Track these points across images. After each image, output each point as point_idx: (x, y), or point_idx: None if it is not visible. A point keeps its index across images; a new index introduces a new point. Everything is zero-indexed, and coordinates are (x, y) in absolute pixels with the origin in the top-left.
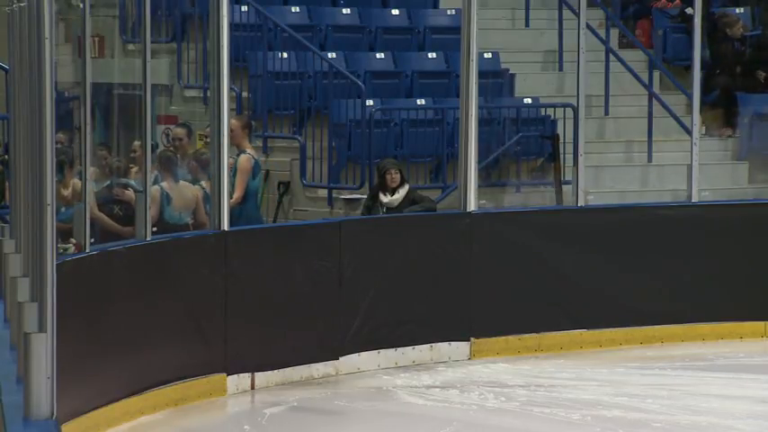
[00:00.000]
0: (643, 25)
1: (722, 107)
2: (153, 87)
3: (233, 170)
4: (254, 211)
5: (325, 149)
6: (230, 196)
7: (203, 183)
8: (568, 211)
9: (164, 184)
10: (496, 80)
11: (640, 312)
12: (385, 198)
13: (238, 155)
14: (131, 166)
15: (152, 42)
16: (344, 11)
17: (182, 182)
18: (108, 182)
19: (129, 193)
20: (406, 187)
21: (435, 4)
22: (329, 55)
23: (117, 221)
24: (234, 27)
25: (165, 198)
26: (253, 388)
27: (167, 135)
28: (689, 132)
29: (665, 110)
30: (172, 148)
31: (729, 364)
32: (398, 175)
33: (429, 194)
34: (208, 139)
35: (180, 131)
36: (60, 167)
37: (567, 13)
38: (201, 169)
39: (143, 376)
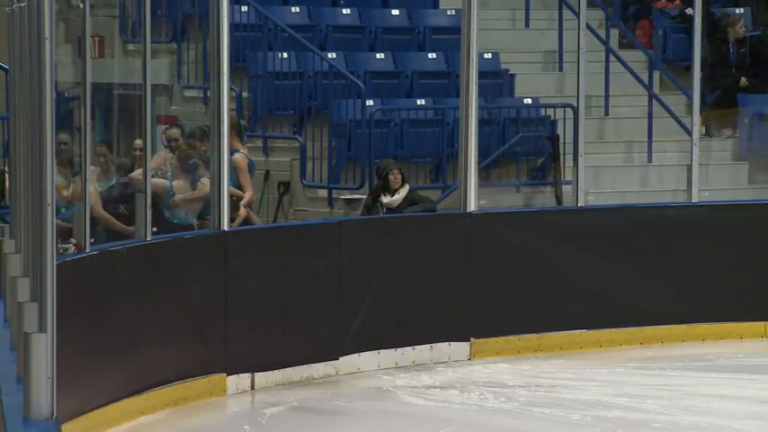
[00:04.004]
0: (643, 25)
1: (722, 107)
2: (153, 87)
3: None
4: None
5: (326, 149)
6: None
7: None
8: (568, 211)
9: (176, 182)
10: (496, 80)
11: (640, 312)
12: (385, 198)
13: (232, 154)
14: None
15: (152, 42)
16: (344, 11)
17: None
18: (112, 182)
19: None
20: (407, 188)
21: (435, 4)
22: (329, 55)
23: (122, 220)
24: (234, 27)
25: (168, 194)
26: (253, 388)
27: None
28: (689, 133)
29: (665, 110)
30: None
31: (729, 365)
32: (400, 176)
33: (429, 194)
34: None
35: (175, 132)
36: (64, 168)
37: (567, 14)
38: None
39: (143, 376)
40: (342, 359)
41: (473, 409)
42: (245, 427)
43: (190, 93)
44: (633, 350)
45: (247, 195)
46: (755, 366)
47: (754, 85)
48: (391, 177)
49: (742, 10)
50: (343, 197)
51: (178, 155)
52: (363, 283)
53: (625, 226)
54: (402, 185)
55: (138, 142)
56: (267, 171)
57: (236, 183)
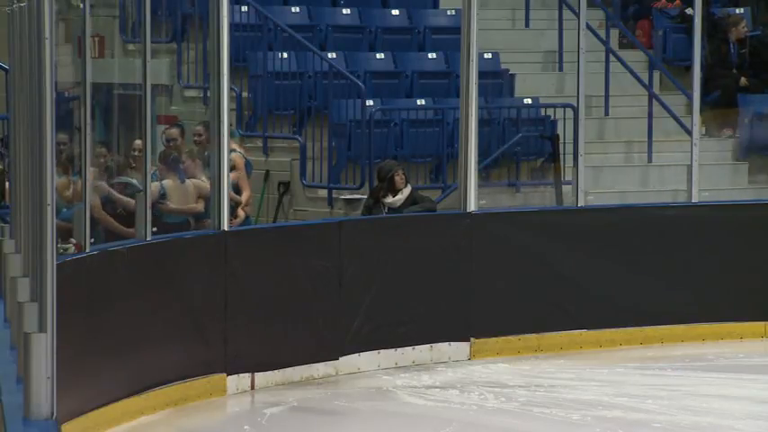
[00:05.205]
0: (643, 25)
1: (722, 107)
2: (153, 87)
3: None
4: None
5: (326, 149)
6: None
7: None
8: (568, 211)
9: (166, 182)
10: (496, 80)
11: (640, 312)
12: (389, 199)
13: (229, 154)
14: (132, 164)
15: (152, 42)
16: (344, 11)
17: (188, 181)
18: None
19: (127, 200)
20: (409, 188)
21: (435, 4)
22: (329, 55)
23: (120, 221)
24: (234, 27)
25: (161, 197)
26: (253, 388)
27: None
28: (689, 133)
29: (665, 110)
30: (174, 149)
31: (729, 364)
32: (404, 176)
33: (429, 194)
34: (197, 138)
35: (173, 132)
36: (66, 168)
37: (567, 14)
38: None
39: (143, 376)
40: (342, 359)
41: (473, 409)
42: (245, 427)
43: (190, 93)
44: (633, 350)
45: (245, 196)
46: (755, 366)
47: (754, 85)
48: (398, 178)
49: (742, 10)
50: (343, 197)
51: (160, 155)
52: (363, 283)
53: (625, 226)
54: (405, 185)
55: (138, 143)
56: (267, 171)
57: (233, 183)
